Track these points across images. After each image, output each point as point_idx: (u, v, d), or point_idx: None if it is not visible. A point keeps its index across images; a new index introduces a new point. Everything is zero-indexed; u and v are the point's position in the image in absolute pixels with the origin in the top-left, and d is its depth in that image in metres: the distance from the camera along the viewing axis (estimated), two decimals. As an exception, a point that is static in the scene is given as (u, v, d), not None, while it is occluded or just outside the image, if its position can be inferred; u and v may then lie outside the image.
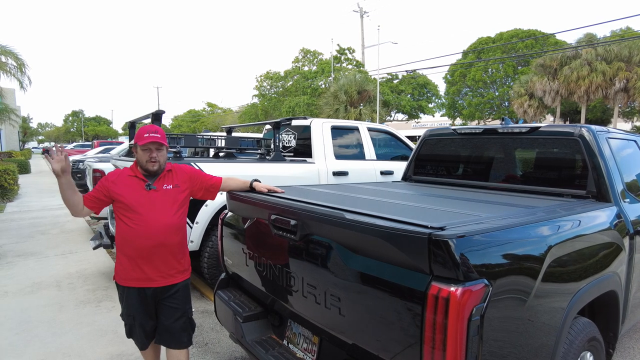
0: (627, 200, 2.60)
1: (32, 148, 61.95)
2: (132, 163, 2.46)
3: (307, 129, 5.36)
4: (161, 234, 2.31)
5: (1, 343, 3.41)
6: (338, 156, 5.31)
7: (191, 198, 2.59)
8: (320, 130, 5.28)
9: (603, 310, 2.31)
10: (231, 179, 2.74)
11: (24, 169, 21.01)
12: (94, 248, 4.94)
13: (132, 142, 2.58)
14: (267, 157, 5.18)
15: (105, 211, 5.53)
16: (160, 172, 2.40)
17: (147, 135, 2.32)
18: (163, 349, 2.63)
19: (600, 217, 2.29)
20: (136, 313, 2.38)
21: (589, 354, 2.08)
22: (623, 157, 2.84)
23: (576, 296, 1.88)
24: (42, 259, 5.91)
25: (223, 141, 5.15)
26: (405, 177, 3.96)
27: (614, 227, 2.31)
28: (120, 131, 68.48)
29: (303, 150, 5.40)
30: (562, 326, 1.78)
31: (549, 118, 28.27)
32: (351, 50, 30.02)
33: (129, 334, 2.48)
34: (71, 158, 15.21)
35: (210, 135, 5.49)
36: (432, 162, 3.79)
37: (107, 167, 6.09)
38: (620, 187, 2.60)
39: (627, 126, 27.98)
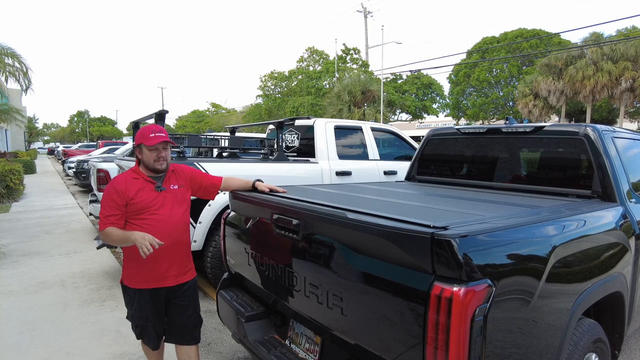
0: (633, 200, 2.58)
1: (38, 148, 62.36)
2: (134, 164, 2.46)
3: (310, 129, 5.36)
4: (175, 232, 2.35)
5: (6, 342, 3.42)
6: (341, 156, 5.30)
7: (193, 197, 2.61)
8: (324, 130, 5.27)
9: (608, 311, 2.29)
10: (232, 178, 2.74)
11: (30, 169, 21.14)
12: (98, 248, 4.95)
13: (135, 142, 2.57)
14: (270, 157, 5.18)
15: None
16: (166, 171, 2.41)
17: (154, 135, 2.31)
18: (167, 349, 2.63)
19: (605, 217, 2.27)
20: (149, 314, 2.39)
21: (594, 355, 2.05)
22: (629, 157, 2.81)
23: (581, 297, 1.86)
24: (46, 258, 5.94)
25: (226, 141, 5.15)
26: (409, 177, 3.95)
27: (619, 228, 2.28)
28: (125, 131, 68.88)
29: (306, 150, 5.39)
30: (566, 327, 1.76)
31: (554, 118, 28.11)
32: (356, 51, 30.00)
33: (140, 336, 2.49)
34: (75, 158, 15.33)
35: (214, 135, 5.50)
36: (436, 162, 3.77)
37: (111, 167, 6.12)
38: (626, 187, 2.57)
39: (633, 126, 27.74)
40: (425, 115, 33.20)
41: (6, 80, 14.09)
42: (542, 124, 3.03)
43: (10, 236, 7.26)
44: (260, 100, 34.02)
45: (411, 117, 33.09)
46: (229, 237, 2.78)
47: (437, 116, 35.36)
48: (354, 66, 29.45)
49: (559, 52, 24.63)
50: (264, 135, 6.96)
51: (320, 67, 30.45)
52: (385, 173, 5.59)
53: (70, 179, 17.60)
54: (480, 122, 31.98)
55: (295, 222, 2.01)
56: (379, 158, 5.70)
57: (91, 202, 6.82)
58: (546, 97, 24.22)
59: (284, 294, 2.19)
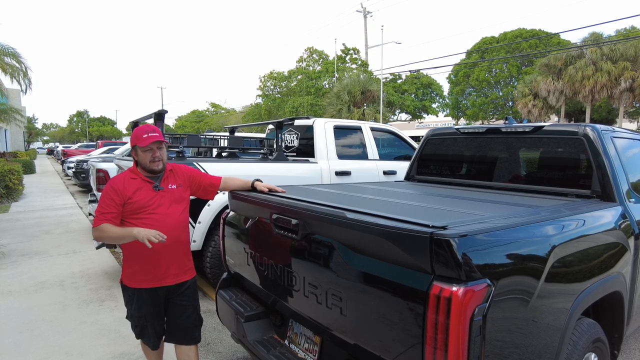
0: (633, 200, 2.58)
1: (37, 148, 62.32)
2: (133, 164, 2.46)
3: (309, 128, 5.36)
4: (174, 231, 2.35)
5: (4, 342, 3.42)
6: (341, 156, 5.30)
7: (193, 197, 2.60)
8: (323, 130, 5.27)
9: (608, 311, 2.29)
10: (231, 178, 2.74)
11: (29, 169, 21.12)
12: (97, 248, 4.95)
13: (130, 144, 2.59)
14: (269, 157, 5.17)
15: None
16: (163, 170, 2.40)
17: (147, 135, 2.30)
18: (166, 349, 2.63)
19: (604, 217, 2.26)
20: (148, 314, 2.39)
21: (593, 355, 2.05)
22: (628, 157, 2.81)
23: (580, 297, 1.86)
24: (46, 258, 5.93)
25: (226, 141, 5.15)
26: (408, 177, 3.95)
27: (619, 227, 2.28)
28: (125, 131, 68.91)
29: (306, 150, 5.39)
30: (566, 327, 1.76)
31: (554, 118, 28.13)
32: (356, 51, 30.03)
33: (140, 336, 2.49)
34: (75, 158, 15.31)
35: (213, 135, 5.50)
36: (435, 162, 3.77)
37: (111, 167, 6.11)
38: (625, 187, 2.57)
39: (633, 126, 27.76)
40: (424, 115, 33.23)
41: (11, 79, 14.06)
42: (542, 123, 3.03)
43: (9, 236, 7.26)
44: (259, 100, 34.04)
45: (411, 117, 33.13)
46: (228, 237, 2.78)
47: (437, 116, 35.40)
48: (354, 66, 29.47)
49: (558, 52, 24.64)
50: (263, 135, 6.96)
51: (319, 67, 30.47)
52: (385, 173, 5.59)
53: (69, 179, 17.58)
54: (480, 122, 31.99)
55: (294, 222, 2.01)
56: (378, 158, 5.70)
57: (90, 202, 6.81)
58: (545, 97, 24.23)
59: (283, 293, 2.19)
